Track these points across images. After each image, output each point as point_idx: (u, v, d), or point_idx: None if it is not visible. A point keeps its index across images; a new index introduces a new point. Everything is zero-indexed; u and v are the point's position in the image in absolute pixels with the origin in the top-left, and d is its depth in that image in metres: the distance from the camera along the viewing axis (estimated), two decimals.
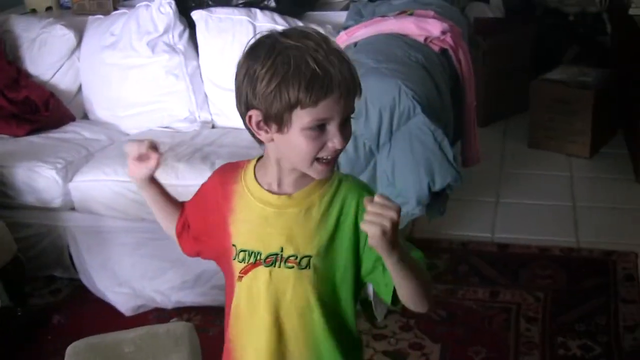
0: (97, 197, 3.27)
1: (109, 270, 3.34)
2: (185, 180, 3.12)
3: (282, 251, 1.54)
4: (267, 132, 1.48)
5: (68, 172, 3.34)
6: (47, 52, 3.96)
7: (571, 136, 4.78)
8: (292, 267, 1.53)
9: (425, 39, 3.29)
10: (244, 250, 1.57)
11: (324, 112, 1.42)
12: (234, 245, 1.59)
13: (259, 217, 1.56)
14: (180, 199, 3.10)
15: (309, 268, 1.53)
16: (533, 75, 5.10)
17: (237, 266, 1.59)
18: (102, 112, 3.90)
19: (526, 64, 5.38)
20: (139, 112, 3.77)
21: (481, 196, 4.27)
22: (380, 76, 2.95)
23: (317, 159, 1.47)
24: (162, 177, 3.11)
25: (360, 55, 3.11)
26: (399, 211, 1.36)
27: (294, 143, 1.46)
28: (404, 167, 2.87)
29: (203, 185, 1.76)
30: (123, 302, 3.32)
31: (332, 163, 1.50)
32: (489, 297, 3.36)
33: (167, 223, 1.90)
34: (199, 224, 1.76)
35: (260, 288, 1.56)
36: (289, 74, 1.40)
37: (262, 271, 1.55)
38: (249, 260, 1.56)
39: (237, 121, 3.73)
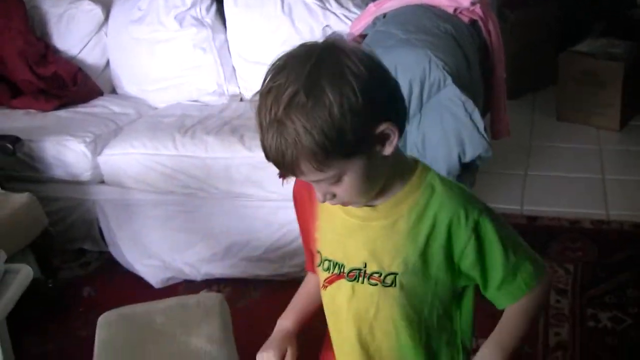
0: (126, 170, 3.27)
1: (138, 243, 3.36)
2: (215, 153, 3.14)
3: (365, 267, 1.43)
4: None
5: (97, 146, 3.35)
6: (75, 28, 3.96)
7: (600, 109, 4.75)
8: (376, 284, 1.43)
9: (455, 10, 3.26)
10: (329, 260, 1.48)
11: None
12: (319, 251, 1.51)
13: (343, 228, 1.46)
14: (209, 171, 3.14)
15: (395, 286, 1.42)
16: (561, 48, 5.05)
17: (322, 274, 1.50)
18: (130, 87, 3.91)
19: (553, 36, 5.33)
20: (167, 86, 3.78)
21: (510, 169, 4.25)
22: (410, 47, 2.92)
23: None
24: (191, 149, 3.15)
25: (390, 27, 3.09)
26: None
27: None
28: (434, 138, 2.85)
29: (293, 191, 1.60)
30: (152, 274, 3.34)
31: (349, 204, 1.41)
32: None
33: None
34: (306, 231, 1.61)
35: (343, 302, 1.48)
36: None
37: (345, 285, 1.46)
38: (332, 271, 1.47)
39: None
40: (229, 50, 3.77)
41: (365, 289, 1.44)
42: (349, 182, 1.32)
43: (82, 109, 3.73)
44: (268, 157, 1.31)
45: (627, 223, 3.66)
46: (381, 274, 1.42)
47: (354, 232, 1.45)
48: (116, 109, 3.73)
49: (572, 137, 4.68)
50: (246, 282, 3.30)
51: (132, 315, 2.40)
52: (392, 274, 1.42)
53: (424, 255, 1.41)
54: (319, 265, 1.51)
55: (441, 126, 2.87)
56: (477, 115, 2.85)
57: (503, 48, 3.51)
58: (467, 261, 1.41)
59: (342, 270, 1.46)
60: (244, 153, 3.10)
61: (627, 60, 4.66)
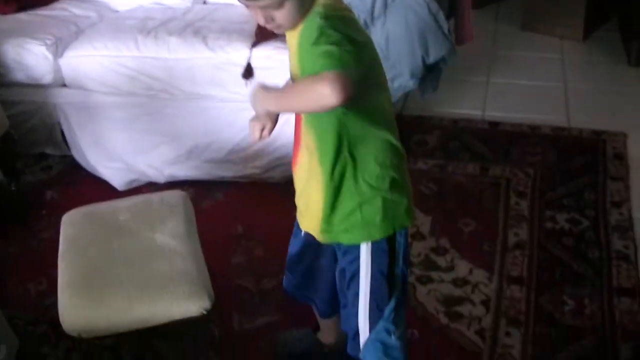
0: (87, 72, 3.23)
1: (101, 146, 3.34)
2: (178, 54, 3.11)
3: (290, 74, 1.83)
4: None
5: (58, 48, 3.30)
6: None
7: (564, 19, 4.75)
8: None
9: None
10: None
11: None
12: None
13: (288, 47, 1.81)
14: (172, 72, 3.13)
15: None
16: None
17: None
18: None
19: None
20: None
21: (473, 76, 4.27)
22: None
23: None
24: (154, 50, 3.13)
25: None
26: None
27: None
28: (398, 39, 2.86)
29: None
30: (116, 176, 3.34)
31: (277, 29, 1.71)
32: (479, 172, 3.39)
33: None
34: None
35: None
36: None
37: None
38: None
39: None
40: None
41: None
42: (287, 9, 1.64)
43: (42, 11, 3.66)
44: None
45: (587, 130, 3.71)
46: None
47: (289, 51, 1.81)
48: (77, 11, 3.66)
49: (535, 46, 4.70)
50: (209, 183, 3.32)
51: (97, 213, 2.41)
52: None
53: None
54: None
55: (405, 26, 2.88)
56: (441, 16, 2.87)
57: None
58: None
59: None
60: (207, 54, 3.08)
61: None
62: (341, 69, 1.54)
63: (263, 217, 3.14)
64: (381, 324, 1.96)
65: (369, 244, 1.88)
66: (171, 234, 2.28)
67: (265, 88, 1.77)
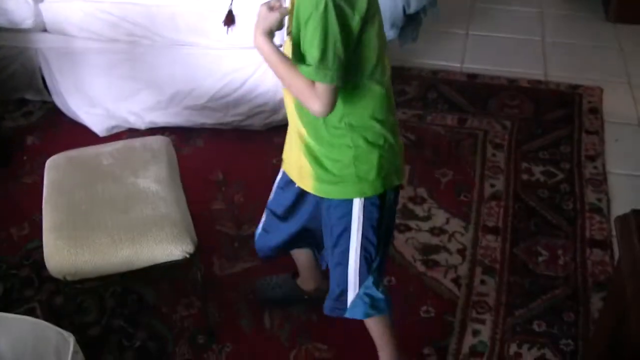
0: (69, 17, 3.21)
1: (82, 92, 3.34)
2: (159, 1, 3.09)
3: (287, 28, 1.83)
4: None
5: None
6: None
7: None
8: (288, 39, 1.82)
9: None
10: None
11: None
12: None
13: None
14: (155, 19, 3.12)
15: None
16: None
17: None
18: None
19: None
20: None
21: (452, 28, 4.28)
22: None
23: None
24: None
25: None
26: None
27: None
28: None
29: None
30: (96, 122, 3.35)
31: None
32: (457, 123, 3.44)
33: None
34: None
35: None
36: None
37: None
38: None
39: None
40: None
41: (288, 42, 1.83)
42: None
43: None
44: None
45: (564, 84, 3.76)
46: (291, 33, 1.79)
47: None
48: None
49: (514, 0, 4.71)
50: (190, 130, 3.33)
51: (80, 157, 2.43)
52: (290, 32, 1.80)
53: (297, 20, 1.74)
54: None
55: None
56: None
57: None
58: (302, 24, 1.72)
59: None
60: (190, 1, 3.07)
61: None
62: (330, 82, 1.70)
63: (243, 164, 3.17)
64: (370, 278, 2.01)
65: (362, 199, 1.92)
66: (154, 179, 2.31)
67: (263, 28, 1.78)
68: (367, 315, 2.07)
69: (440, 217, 2.88)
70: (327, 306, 2.11)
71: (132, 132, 3.32)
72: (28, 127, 3.45)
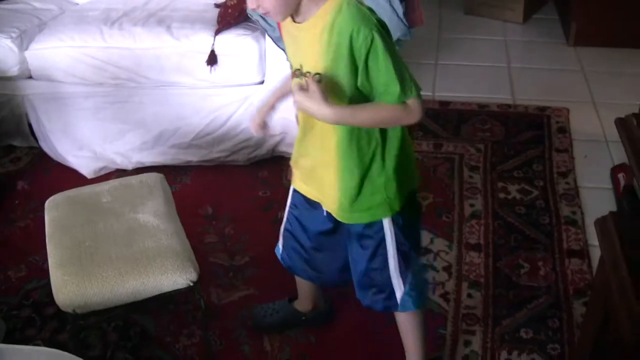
0: (54, 63, 3.31)
1: (69, 136, 3.43)
2: (144, 44, 3.22)
3: (301, 67, 1.89)
4: None
5: (23, 41, 3.37)
6: None
7: (505, 3, 4.96)
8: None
9: None
10: (289, 61, 2.00)
11: None
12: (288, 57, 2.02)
13: (289, 42, 1.96)
14: (140, 61, 3.23)
15: (320, 82, 1.83)
16: None
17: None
18: None
19: None
20: None
21: (422, 59, 4.44)
22: None
23: None
24: (120, 41, 3.22)
25: None
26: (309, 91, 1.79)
27: None
28: None
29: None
30: (84, 165, 3.44)
31: (269, 15, 1.83)
32: (433, 148, 3.57)
33: None
34: None
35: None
36: None
37: (294, 81, 1.92)
38: (291, 70, 1.97)
39: None
40: None
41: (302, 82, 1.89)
42: None
43: (3, 5, 3.71)
44: None
45: (532, 107, 3.92)
46: (311, 73, 1.85)
47: (292, 44, 1.94)
48: (37, 4, 3.73)
49: (478, 29, 4.89)
50: (176, 168, 3.43)
51: (79, 196, 2.52)
52: (317, 73, 1.84)
53: (335, 60, 1.81)
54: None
55: None
56: (396, 1, 3.02)
57: None
58: (362, 63, 1.79)
59: (292, 70, 1.95)
60: (173, 43, 3.19)
61: None
62: (417, 95, 1.85)
63: (230, 198, 3.27)
64: (410, 276, 2.13)
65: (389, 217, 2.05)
66: (153, 213, 2.41)
67: (323, 98, 1.79)
68: (419, 307, 2.20)
69: (425, 238, 2.99)
70: (380, 304, 2.19)
71: (119, 173, 3.41)
72: (17, 172, 3.53)
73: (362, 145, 1.95)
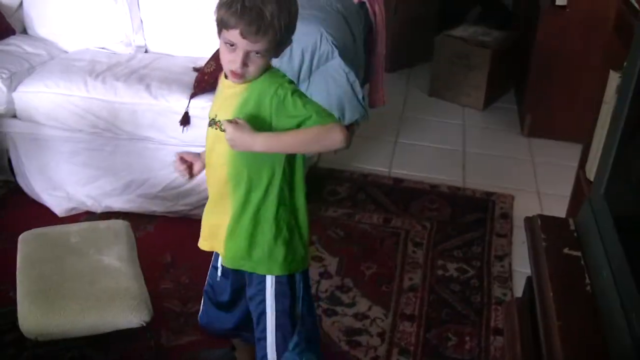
0: (38, 107, 3.52)
1: (45, 175, 3.65)
2: (123, 98, 3.44)
3: (216, 117, 2.15)
4: (218, 35, 2.05)
5: (12, 82, 3.57)
6: None
7: (468, 89, 5.27)
8: (217, 129, 2.14)
9: None
10: (209, 117, 2.21)
11: (231, 38, 1.98)
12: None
13: (218, 94, 2.21)
14: (117, 114, 3.46)
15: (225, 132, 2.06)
16: (439, 29, 5.54)
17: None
18: (41, 29, 4.11)
19: (433, 18, 5.84)
20: (78, 32, 4.02)
21: (383, 135, 4.72)
22: (304, 21, 3.25)
23: (230, 69, 2.04)
24: (102, 93, 3.45)
25: None
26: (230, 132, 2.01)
27: (220, 48, 2.05)
28: (319, 102, 3.24)
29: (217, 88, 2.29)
30: (57, 204, 3.66)
31: (238, 76, 2.04)
32: (382, 222, 3.83)
33: None
34: None
35: (208, 140, 2.21)
36: (224, 2, 1.98)
37: (208, 129, 2.20)
38: (208, 121, 2.20)
39: (168, 48, 4.08)
40: (138, 4, 4.05)
41: (213, 132, 2.16)
42: (265, 59, 2.03)
43: None
44: (241, 22, 1.94)
45: (479, 191, 4.19)
46: (220, 122, 2.10)
47: (219, 97, 2.20)
48: (28, 48, 3.95)
49: (440, 112, 5.20)
50: (142, 216, 3.65)
51: (50, 234, 2.75)
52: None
53: (247, 116, 2.05)
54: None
55: (326, 92, 3.30)
56: (357, 85, 3.30)
57: (386, 28, 3.96)
58: (276, 116, 2.04)
59: (209, 120, 2.19)
60: (150, 101, 3.43)
61: (495, 48, 5.18)
62: (338, 121, 2.09)
63: (189, 249, 3.42)
64: (288, 355, 2.33)
65: (273, 279, 2.26)
66: (116, 257, 2.64)
67: (251, 129, 2.02)
68: None
69: (363, 305, 3.23)
70: None
71: (89, 215, 3.64)
72: None
73: (250, 191, 2.17)
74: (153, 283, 3.19)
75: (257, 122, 2.04)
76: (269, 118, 2.05)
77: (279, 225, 2.20)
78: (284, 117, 2.04)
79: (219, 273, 2.44)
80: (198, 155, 2.33)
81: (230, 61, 2.01)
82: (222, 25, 1.99)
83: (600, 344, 1.72)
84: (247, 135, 2.01)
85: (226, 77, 2.11)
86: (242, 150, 2.06)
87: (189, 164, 2.31)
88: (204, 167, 2.30)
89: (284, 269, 2.25)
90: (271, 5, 1.94)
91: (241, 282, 2.38)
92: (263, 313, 2.30)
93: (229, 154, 2.11)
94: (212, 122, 2.16)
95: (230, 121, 2.02)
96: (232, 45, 1.99)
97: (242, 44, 1.97)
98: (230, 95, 2.11)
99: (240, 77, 2.04)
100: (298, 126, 2.03)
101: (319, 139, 2.05)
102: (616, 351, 1.65)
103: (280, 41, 2.02)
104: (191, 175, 2.33)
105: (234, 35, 1.97)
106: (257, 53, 1.99)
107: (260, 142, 2.03)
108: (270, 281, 2.26)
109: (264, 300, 2.28)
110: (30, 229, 2.84)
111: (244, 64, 2.00)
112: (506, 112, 5.30)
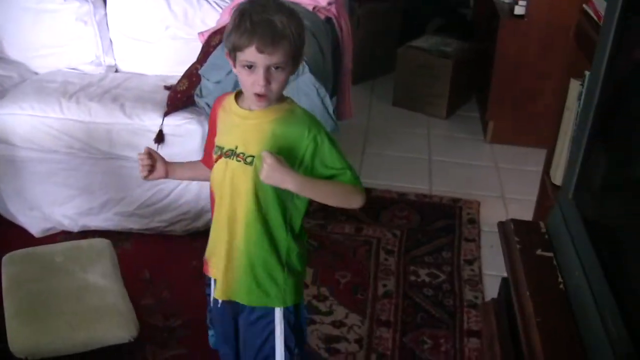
0: (14, 129, 3.55)
1: (21, 196, 3.69)
2: (98, 118, 3.50)
3: (236, 148, 2.06)
4: (233, 65, 2.02)
5: None
6: None
7: (431, 98, 5.40)
8: (240, 161, 2.06)
9: (314, 8, 3.77)
10: (218, 146, 2.11)
11: (248, 58, 1.94)
12: (216, 144, 2.13)
13: (230, 125, 2.11)
14: (92, 134, 3.51)
15: (251, 165, 2.04)
16: (401, 40, 5.68)
17: (214, 158, 2.12)
18: (12, 52, 4.15)
19: (395, 30, 5.96)
20: (48, 54, 4.07)
21: (349, 146, 4.76)
22: None
23: (254, 93, 1.99)
24: (77, 114, 3.50)
25: None
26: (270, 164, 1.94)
27: (240, 76, 2.00)
28: None
29: (210, 115, 2.25)
30: (33, 224, 3.70)
31: (264, 99, 1.99)
32: (354, 231, 3.93)
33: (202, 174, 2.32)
34: (210, 142, 2.23)
35: (220, 172, 2.10)
36: (234, 24, 1.94)
37: (223, 161, 2.09)
38: (217, 153, 2.10)
39: (139, 67, 4.14)
40: (107, 25, 4.11)
41: (234, 163, 2.07)
42: (282, 75, 1.97)
43: None
44: (254, 38, 1.91)
45: (446, 198, 4.31)
46: (245, 155, 2.05)
47: (235, 127, 2.09)
48: (0, 71, 4.01)
49: (405, 121, 5.31)
50: (119, 234, 3.70)
51: (35, 254, 2.82)
52: (251, 156, 2.05)
53: (277, 148, 2.01)
54: (214, 152, 2.13)
55: None
56: (327, 100, 3.39)
57: (352, 43, 4.06)
58: (310, 160, 2.04)
59: (223, 151, 2.09)
60: (125, 120, 3.49)
61: (457, 58, 5.32)
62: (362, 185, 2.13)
63: (167, 265, 3.56)
64: None
65: (282, 309, 2.22)
66: (100, 274, 2.71)
67: (286, 165, 1.97)
68: None
69: (340, 312, 3.32)
70: None
71: (65, 235, 3.68)
72: None
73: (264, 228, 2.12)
74: (134, 300, 3.22)
75: (287, 160, 2.00)
76: (300, 158, 2.04)
77: (289, 257, 2.20)
78: (319, 165, 2.05)
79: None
80: (166, 163, 2.28)
81: (253, 83, 1.97)
82: (236, 49, 1.95)
83: (575, 336, 1.85)
84: (286, 171, 1.97)
85: (237, 101, 2.10)
86: (272, 184, 2.00)
87: (153, 162, 2.24)
88: (164, 176, 2.27)
89: (293, 299, 2.25)
90: (279, 15, 1.93)
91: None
92: (271, 335, 2.27)
93: (254, 186, 2.06)
94: (232, 154, 2.07)
95: (271, 154, 1.96)
96: (250, 67, 1.95)
97: (261, 60, 1.93)
98: (253, 126, 2.06)
99: (266, 98, 2.00)
100: (330, 177, 2.06)
101: (347, 197, 2.10)
102: (591, 343, 1.77)
103: (295, 51, 1.98)
104: (147, 175, 2.25)
105: (250, 53, 1.93)
106: (276, 68, 1.95)
107: (297, 181, 2.00)
108: (279, 310, 2.24)
109: (271, 323, 2.25)
110: (8, 250, 2.89)
111: (267, 81, 1.95)
112: (469, 120, 5.42)
